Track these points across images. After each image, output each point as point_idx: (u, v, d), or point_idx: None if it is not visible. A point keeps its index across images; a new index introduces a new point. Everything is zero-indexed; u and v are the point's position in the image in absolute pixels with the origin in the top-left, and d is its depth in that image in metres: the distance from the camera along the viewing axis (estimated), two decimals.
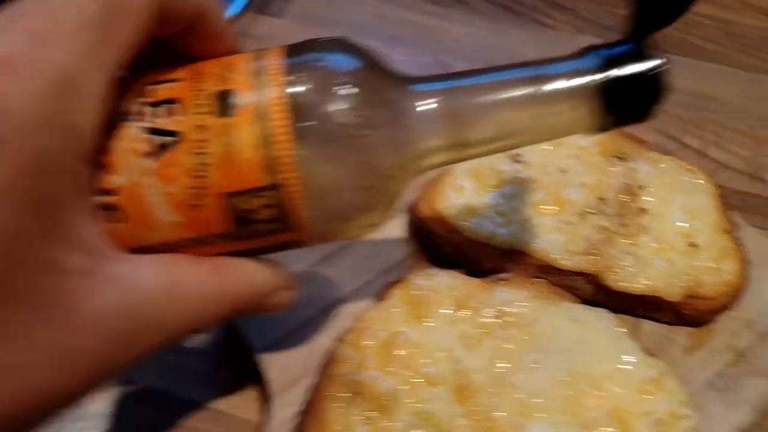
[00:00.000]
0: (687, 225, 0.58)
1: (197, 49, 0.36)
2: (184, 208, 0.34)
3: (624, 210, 0.58)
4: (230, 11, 0.83)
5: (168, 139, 0.33)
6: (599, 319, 0.53)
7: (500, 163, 0.60)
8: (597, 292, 0.57)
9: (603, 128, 0.38)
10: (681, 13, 0.38)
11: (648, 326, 0.57)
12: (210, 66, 0.36)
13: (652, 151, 0.63)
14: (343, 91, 0.35)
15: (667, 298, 0.55)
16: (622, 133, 0.65)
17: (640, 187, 0.60)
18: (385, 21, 0.86)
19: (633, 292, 0.55)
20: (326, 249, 0.60)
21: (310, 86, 0.34)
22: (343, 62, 0.36)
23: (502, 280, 0.55)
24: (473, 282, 0.55)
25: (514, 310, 0.52)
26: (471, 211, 0.58)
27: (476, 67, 0.39)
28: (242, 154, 0.33)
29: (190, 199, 0.34)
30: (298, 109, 0.34)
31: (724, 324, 0.57)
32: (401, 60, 0.81)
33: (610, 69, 0.36)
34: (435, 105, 0.37)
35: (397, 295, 0.54)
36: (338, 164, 0.35)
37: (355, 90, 0.35)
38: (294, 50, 0.36)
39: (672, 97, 0.73)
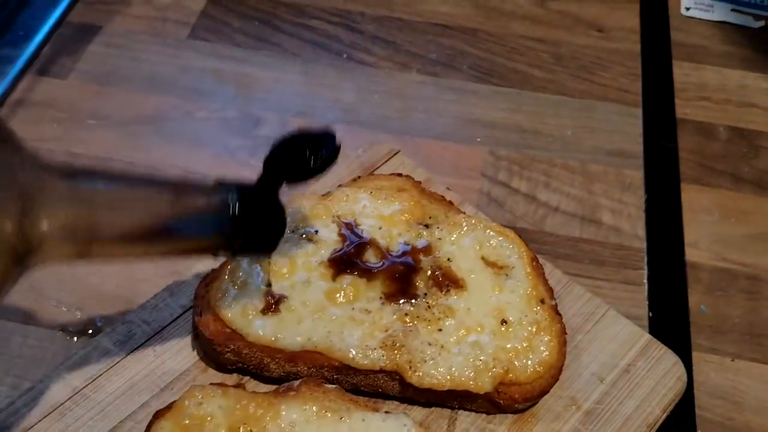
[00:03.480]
0: (497, 299, 0.52)
1: None
2: None
3: (429, 288, 0.52)
4: (7, 77, 0.73)
5: None
6: (397, 428, 0.46)
7: (289, 244, 0.53)
8: (405, 389, 0.50)
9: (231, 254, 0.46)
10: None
11: (465, 419, 0.51)
12: None
13: (460, 213, 0.57)
14: None
15: (476, 391, 0.48)
16: (429, 194, 0.59)
17: (448, 259, 0.53)
18: (187, 73, 0.77)
19: (439, 389, 0.48)
20: (93, 370, 0.51)
21: None
22: None
23: (290, 390, 0.48)
24: (255, 398, 0.47)
25: None
26: (253, 310, 0.50)
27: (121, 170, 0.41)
28: None
29: None
30: None
31: (546, 407, 0.51)
32: (204, 117, 0.73)
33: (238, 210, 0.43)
34: (64, 184, 0.36)
35: (165, 427, 0.46)
36: None
37: None
38: None
39: (499, 137, 0.68)
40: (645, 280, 0.62)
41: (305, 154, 0.45)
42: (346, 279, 0.52)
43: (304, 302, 0.51)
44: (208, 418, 0.46)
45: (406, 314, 0.51)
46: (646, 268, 0.63)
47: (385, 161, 0.64)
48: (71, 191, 0.36)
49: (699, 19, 0.85)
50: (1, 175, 0.32)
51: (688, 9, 0.86)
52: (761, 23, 0.84)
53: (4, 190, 0.32)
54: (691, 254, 0.64)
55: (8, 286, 0.34)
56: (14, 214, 0.32)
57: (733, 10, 0.85)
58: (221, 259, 0.49)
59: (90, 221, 0.37)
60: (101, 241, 0.38)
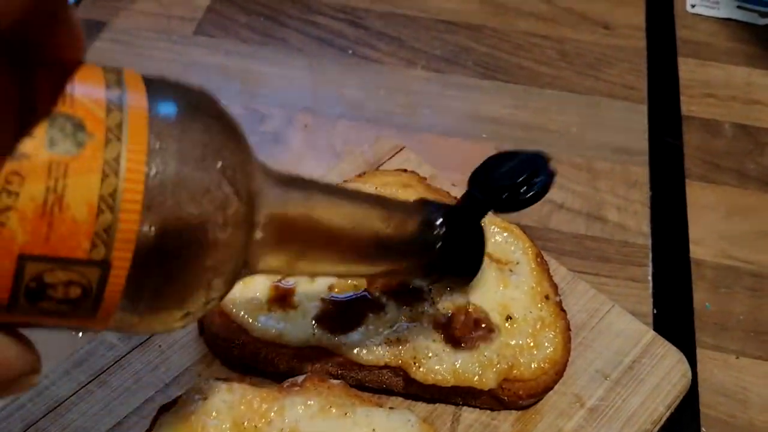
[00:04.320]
0: (502, 295, 0.52)
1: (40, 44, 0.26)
2: None
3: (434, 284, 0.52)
4: None
5: None
6: (401, 423, 0.46)
7: None
8: (409, 385, 0.50)
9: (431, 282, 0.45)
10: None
11: (469, 415, 0.51)
12: (47, 74, 0.26)
13: None
14: (217, 182, 0.28)
15: (480, 387, 0.48)
16: (434, 190, 0.59)
17: None
18: (193, 69, 0.77)
19: (443, 385, 0.49)
20: (98, 365, 0.51)
21: (178, 160, 0.27)
22: (216, 138, 0.29)
23: (294, 385, 0.48)
24: (259, 393, 0.47)
25: (303, 429, 0.45)
26: (259, 306, 0.51)
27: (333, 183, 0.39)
28: (70, 211, 0.24)
29: None
30: (157, 180, 0.26)
31: (550, 403, 0.51)
32: None
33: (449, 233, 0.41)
34: (285, 192, 0.34)
35: (170, 422, 0.46)
36: (177, 255, 0.28)
37: (230, 186, 0.29)
38: (156, 90, 0.28)
39: (504, 133, 0.68)
40: (650, 277, 0.62)
41: (517, 181, 0.41)
42: None
43: (310, 297, 0.51)
44: (213, 413, 0.46)
45: (411, 310, 0.51)
46: (650, 264, 0.62)
47: (391, 157, 0.64)
48: (292, 200, 0.35)
49: (704, 16, 0.84)
50: (235, 178, 0.30)
51: (693, 6, 0.85)
52: (767, 20, 0.84)
53: (236, 194, 0.29)
54: (695, 251, 0.64)
55: (222, 295, 0.32)
56: (241, 221, 0.30)
57: (738, 6, 0.85)
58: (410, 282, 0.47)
59: (306, 231, 0.35)
60: (312, 254, 0.37)
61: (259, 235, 0.32)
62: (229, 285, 0.32)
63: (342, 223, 0.37)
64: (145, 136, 0.26)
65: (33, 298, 0.26)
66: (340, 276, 0.40)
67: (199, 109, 0.29)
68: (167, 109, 0.28)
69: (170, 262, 0.28)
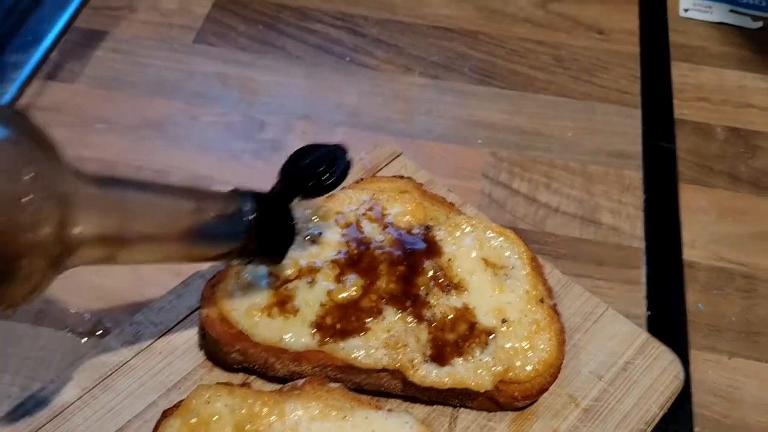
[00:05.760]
0: (498, 299, 0.53)
1: None
2: None
3: (430, 289, 0.53)
4: (15, 82, 0.74)
5: None
6: (399, 425, 0.47)
7: (294, 246, 0.54)
8: (407, 387, 0.51)
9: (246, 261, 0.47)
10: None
11: (466, 417, 0.52)
12: None
13: (461, 215, 0.58)
14: (27, 190, 0.34)
15: (476, 389, 0.49)
16: (430, 196, 0.60)
17: (449, 260, 0.54)
18: (193, 77, 0.78)
19: (440, 387, 0.49)
20: (102, 371, 0.52)
21: None
22: (25, 152, 0.35)
23: (294, 389, 0.49)
24: (260, 397, 0.48)
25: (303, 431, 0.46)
26: (259, 312, 0.52)
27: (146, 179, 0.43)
28: None
29: None
30: None
31: (545, 404, 0.52)
32: (210, 121, 0.74)
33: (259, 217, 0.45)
34: (98, 192, 0.38)
35: (173, 426, 0.47)
36: None
37: (41, 192, 0.34)
38: None
39: (500, 139, 0.69)
40: (643, 280, 0.63)
41: (320, 170, 0.48)
42: (350, 279, 0.53)
43: (309, 303, 0.52)
44: (215, 417, 0.47)
45: (408, 314, 0.52)
46: (644, 267, 0.64)
47: (388, 163, 0.65)
48: (105, 198, 0.38)
49: (697, 20, 0.86)
50: (45, 183, 0.34)
51: (686, 10, 0.86)
52: (759, 24, 0.85)
53: (47, 197, 0.34)
54: (688, 254, 0.65)
55: (43, 288, 0.36)
56: (54, 220, 0.34)
57: (731, 11, 0.86)
58: (228, 263, 0.50)
59: (120, 226, 0.39)
60: (129, 246, 0.41)
61: (75, 233, 0.36)
62: (49, 279, 0.36)
63: (155, 217, 0.42)
64: None
65: None
66: (161, 263, 0.44)
67: (9, 126, 0.35)
68: None
69: None
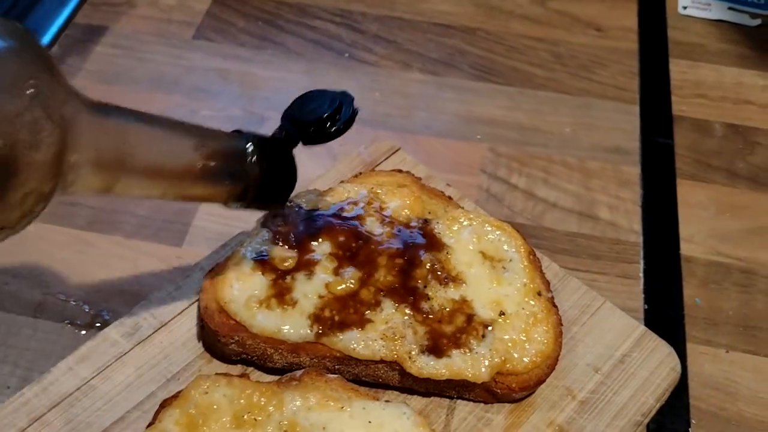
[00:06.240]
0: (495, 292, 0.53)
1: None
2: None
3: (428, 281, 0.53)
4: None
5: None
6: (397, 416, 0.48)
7: (293, 238, 0.54)
8: (404, 379, 0.51)
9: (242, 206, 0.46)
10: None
11: (463, 408, 0.52)
12: None
13: (459, 209, 0.58)
14: (28, 107, 0.32)
15: (474, 381, 0.50)
16: (429, 190, 0.60)
17: (447, 253, 0.55)
18: (192, 72, 0.78)
19: (437, 378, 0.50)
20: (101, 361, 0.52)
21: None
22: (27, 67, 0.33)
23: (293, 380, 0.49)
24: (259, 387, 0.48)
25: (301, 422, 0.46)
26: (258, 303, 0.52)
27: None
28: None
29: None
30: None
31: (543, 396, 0.53)
32: (209, 116, 0.74)
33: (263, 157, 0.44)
34: (99, 118, 0.37)
35: (172, 416, 0.47)
36: None
37: (41, 110, 0.32)
38: None
39: (499, 134, 0.69)
40: (641, 274, 0.63)
41: (324, 117, 0.46)
42: (348, 272, 0.53)
43: (307, 295, 0.52)
44: (214, 407, 0.47)
45: (407, 306, 0.52)
46: (642, 262, 0.64)
47: (386, 158, 0.66)
48: (105, 124, 0.37)
49: (696, 17, 0.86)
50: (46, 101, 0.33)
51: (685, 8, 0.87)
52: (758, 21, 0.85)
53: (47, 116, 0.33)
54: (686, 248, 0.65)
55: (37, 213, 0.35)
56: (53, 140, 0.33)
57: (730, 8, 0.86)
58: (226, 206, 0.48)
59: (120, 155, 0.38)
60: (126, 177, 0.39)
61: (73, 157, 0.35)
62: (44, 202, 0.35)
63: (156, 148, 0.41)
64: None
65: None
66: (158, 198, 0.43)
67: (11, 42, 0.33)
68: None
69: None
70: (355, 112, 0.47)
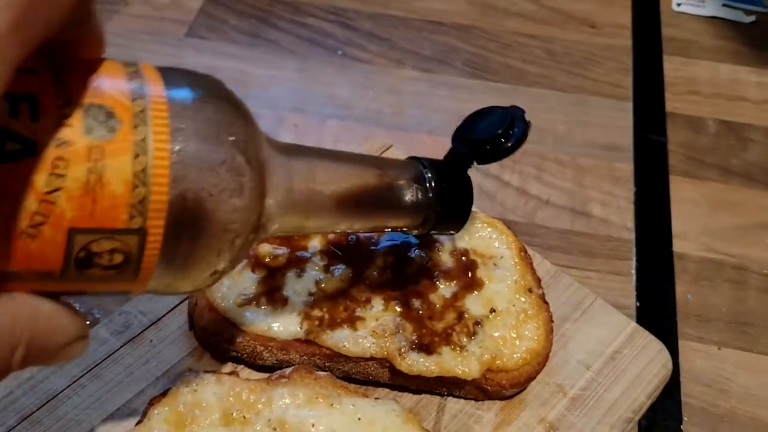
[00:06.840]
0: (486, 288, 0.53)
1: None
2: (11, 234, 0.27)
3: (419, 278, 0.53)
4: None
5: (16, 146, 0.26)
6: (386, 413, 0.47)
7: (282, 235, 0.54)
8: (394, 376, 0.51)
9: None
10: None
11: (454, 405, 0.52)
12: (77, 71, 0.29)
13: None
14: (231, 154, 0.32)
15: (464, 378, 0.49)
16: None
17: (438, 250, 0.54)
18: None
19: (427, 375, 0.50)
20: (91, 359, 0.52)
21: (196, 137, 0.31)
22: (227, 116, 0.33)
23: (282, 377, 0.49)
24: (248, 385, 0.48)
25: (290, 419, 0.46)
26: (248, 301, 0.52)
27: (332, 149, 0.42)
28: (109, 187, 0.28)
29: (26, 225, 0.27)
30: (180, 156, 0.30)
31: (534, 393, 0.52)
32: None
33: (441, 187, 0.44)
34: (289, 159, 0.37)
35: (161, 413, 0.47)
36: (202, 219, 0.32)
37: (242, 156, 0.33)
38: (171, 79, 0.32)
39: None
40: (633, 271, 0.63)
41: (496, 133, 0.45)
42: (339, 269, 0.53)
43: (297, 292, 0.52)
44: (203, 404, 0.47)
45: (397, 304, 0.52)
46: (634, 258, 0.64)
47: (379, 156, 0.65)
48: (295, 165, 0.38)
49: (690, 14, 0.86)
50: (245, 147, 0.33)
51: (679, 5, 0.87)
52: (752, 18, 0.85)
53: (246, 161, 0.33)
54: (678, 245, 0.65)
55: (240, 259, 0.36)
56: (254, 185, 0.34)
57: (724, 5, 0.86)
58: (409, 233, 0.48)
59: (311, 194, 0.39)
60: (316, 215, 0.40)
61: (270, 200, 0.36)
62: (248, 246, 0.36)
63: (341, 184, 0.41)
64: (166, 119, 0.30)
65: (82, 267, 0.29)
66: (343, 231, 0.44)
67: (209, 92, 0.33)
68: (182, 94, 0.32)
69: (197, 225, 0.31)
70: (528, 126, 0.46)
